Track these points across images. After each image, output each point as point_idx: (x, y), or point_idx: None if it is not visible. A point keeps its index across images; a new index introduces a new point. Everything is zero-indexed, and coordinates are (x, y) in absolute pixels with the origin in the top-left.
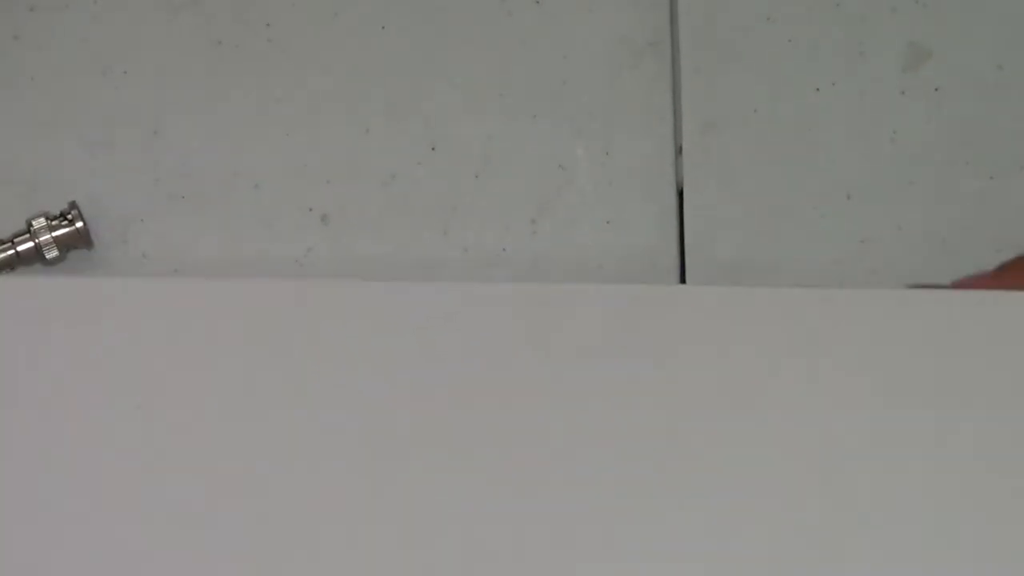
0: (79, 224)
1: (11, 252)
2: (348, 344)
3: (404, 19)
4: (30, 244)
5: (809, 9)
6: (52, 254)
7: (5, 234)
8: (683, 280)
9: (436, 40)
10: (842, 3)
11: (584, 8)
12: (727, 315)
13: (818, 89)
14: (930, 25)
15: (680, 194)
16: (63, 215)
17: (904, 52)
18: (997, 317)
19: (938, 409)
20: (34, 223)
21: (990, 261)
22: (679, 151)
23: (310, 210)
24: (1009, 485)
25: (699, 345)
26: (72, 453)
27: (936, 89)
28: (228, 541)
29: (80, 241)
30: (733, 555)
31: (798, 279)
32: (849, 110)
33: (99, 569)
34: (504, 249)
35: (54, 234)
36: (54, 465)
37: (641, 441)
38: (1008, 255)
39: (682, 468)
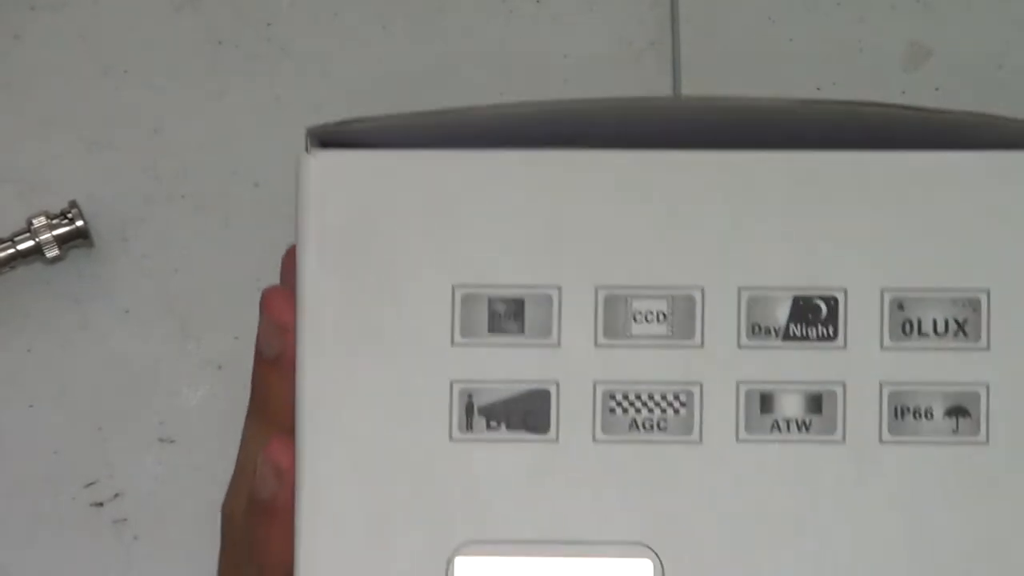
0: (79, 223)
1: (11, 251)
2: None
3: (405, 19)
4: (30, 243)
5: (810, 8)
6: (52, 253)
7: (5, 233)
8: None
9: (436, 40)
10: (843, 2)
11: (585, 8)
12: None
13: (819, 88)
14: (930, 24)
15: None
16: (63, 214)
17: (905, 51)
18: None
19: None
20: (34, 222)
21: None
22: None
23: None
24: None
25: None
26: None
27: (936, 88)
28: None
29: (80, 240)
30: None
31: None
32: None
33: None
34: None
35: (54, 233)
36: None
37: None
38: None
39: None
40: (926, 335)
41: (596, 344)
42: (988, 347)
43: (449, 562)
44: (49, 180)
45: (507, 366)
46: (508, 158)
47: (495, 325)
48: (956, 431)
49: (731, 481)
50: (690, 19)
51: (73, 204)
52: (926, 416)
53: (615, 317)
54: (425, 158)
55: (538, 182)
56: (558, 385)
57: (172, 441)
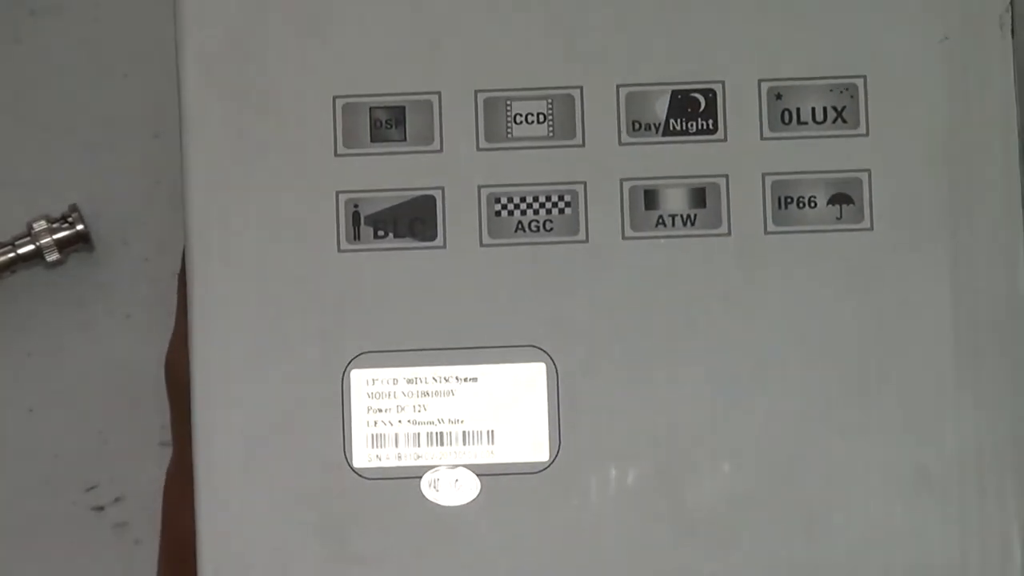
0: (80, 226)
1: (12, 254)
2: None
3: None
4: (31, 247)
5: None
6: (53, 256)
7: (6, 237)
8: None
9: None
10: None
11: None
12: None
13: None
14: None
15: None
16: (64, 217)
17: None
18: None
19: None
20: (35, 225)
21: None
22: None
23: None
24: None
25: None
26: None
27: None
28: None
29: (81, 243)
30: None
31: None
32: None
33: None
34: None
35: (55, 236)
36: None
37: None
38: None
39: None
40: (805, 124)
41: (478, 148)
42: (867, 133)
43: (344, 374)
44: (50, 184)
45: (391, 174)
46: None
47: (377, 134)
48: (840, 218)
49: (619, 279)
50: None
51: (74, 208)
52: (809, 205)
53: (496, 120)
54: None
55: None
56: (443, 191)
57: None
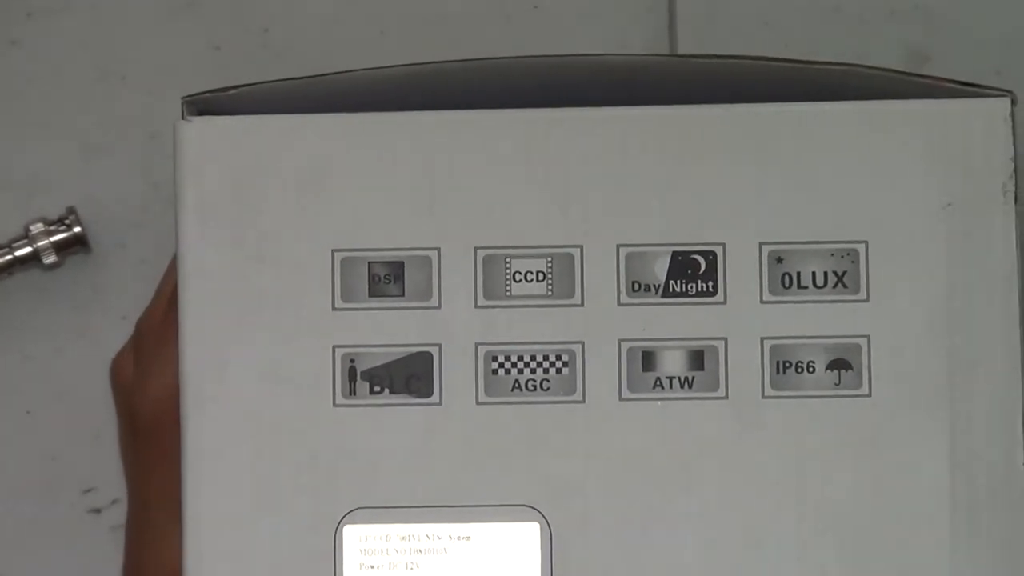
0: (77, 229)
1: (9, 257)
2: None
3: (402, 24)
4: (28, 249)
5: (807, 13)
6: (50, 259)
7: (3, 239)
8: None
9: (434, 45)
10: (841, 7)
11: (582, 13)
12: None
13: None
14: (929, 30)
15: None
16: (61, 220)
17: (903, 56)
18: None
19: None
20: (32, 228)
21: None
22: None
23: None
24: None
25: None
26: None
27: None
28: None
29: (78, 246)
30: None
31: None
32: None
33: None
34: None
35: (52, 239)
36: None
37: None
38: None
39: None
40: (805, 288)
41: (476, 305)
42: (868, 299)
43: (337, 530)
44: (47, 186)
45: (389, 330)
46: (382, 120)
47: (376, 289)
48: (838, 384)
49: (615, 441)
50: (688, 24)
51: (71, 210)
52: (808, 370)
53: (495, 278)
54: (300, 123)
55: (414, 144)
56: (440, 348)
57: None
